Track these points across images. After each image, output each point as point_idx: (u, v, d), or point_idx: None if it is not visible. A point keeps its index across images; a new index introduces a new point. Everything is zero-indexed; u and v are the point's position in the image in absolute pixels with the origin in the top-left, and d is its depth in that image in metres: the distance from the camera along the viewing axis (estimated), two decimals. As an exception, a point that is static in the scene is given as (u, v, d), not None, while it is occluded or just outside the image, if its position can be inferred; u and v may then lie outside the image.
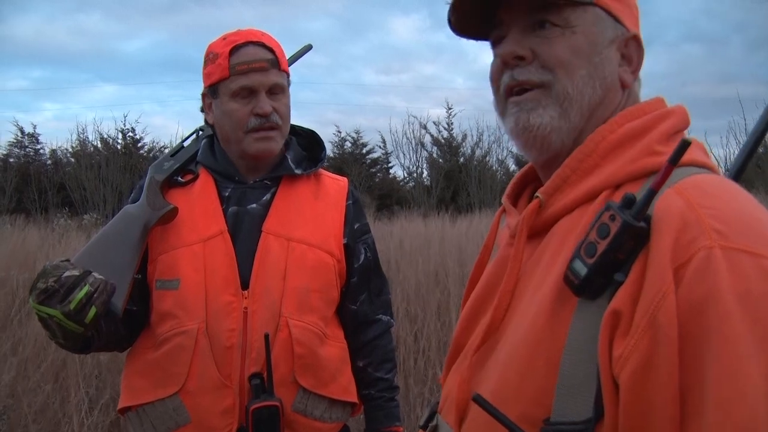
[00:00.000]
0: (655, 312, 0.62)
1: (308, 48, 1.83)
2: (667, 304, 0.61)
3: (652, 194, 0.66)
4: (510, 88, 0.85)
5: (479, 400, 0.73)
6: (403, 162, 21.83)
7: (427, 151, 20.66)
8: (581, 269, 0.69)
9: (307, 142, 1.71)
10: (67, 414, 3.44)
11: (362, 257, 1.63)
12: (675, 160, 0.66)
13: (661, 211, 0.67)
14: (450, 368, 0.92)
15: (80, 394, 3.50)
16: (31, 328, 4.13)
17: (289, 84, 1.58)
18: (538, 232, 0.83)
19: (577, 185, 0.80)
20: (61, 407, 3.52)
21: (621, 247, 0.66)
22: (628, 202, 0.67)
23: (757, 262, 0.62)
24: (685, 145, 0.66)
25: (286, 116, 1.54)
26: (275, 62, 1.50)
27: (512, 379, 0.74)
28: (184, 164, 1.58)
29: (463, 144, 20.74)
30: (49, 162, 18.55)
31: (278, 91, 1.52)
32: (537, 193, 0.82)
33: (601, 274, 0.67)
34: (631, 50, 0.85)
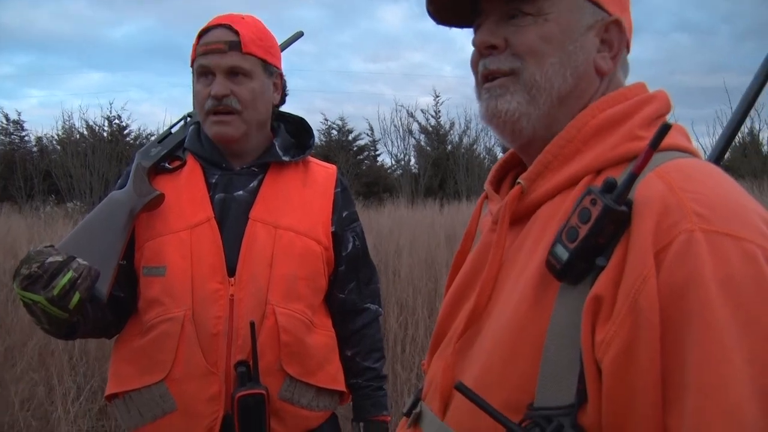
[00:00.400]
0: (636, 296, 0.62)
1: (299, 35, 1.82)
2: (648, 288, 0.61)
3: (633, 178, 0.66)
4: (484, 76, 0.86)
5: (461, 388, 0.73)
6: (390, 150, 21.79)
7: (414, 138, 20.64)
8: (563, 254, 0.68)
9: (296, 129, 1.70)
10: (54, 402, 3.43)
11: (350, 245, 1.63)
12: (655, 144, 0.66)
13: (642, 195, 0.67)
14: (434, 354, 0.91)
15: (67, 382, 3.49)
16: (18, 315, 4.11)
17: (267, 70, 1.55)
18: (520, 218, 0.83)
19: (559, 171, 0.79)
20: (48, 395, 3.51)
21: (602, 231, 0.66)
22: (609, 186, 0.67)
23: (738, 245, 0.61)
24: (666, 128, 0.66)
25: (249, 101, 1.50)
26: (236, 44, 1.47)
27: (496, 365, 0.74)
28: (171, 150, 1.57)
29: (451, 132, 20.74)
30: (34, 149, 18.35)
31: (240, 73, 1.49)
32: (519, 179, 0.82)
33: (583, 258, 0.67)
34: (612, 35, 0.84)
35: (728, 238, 0.62)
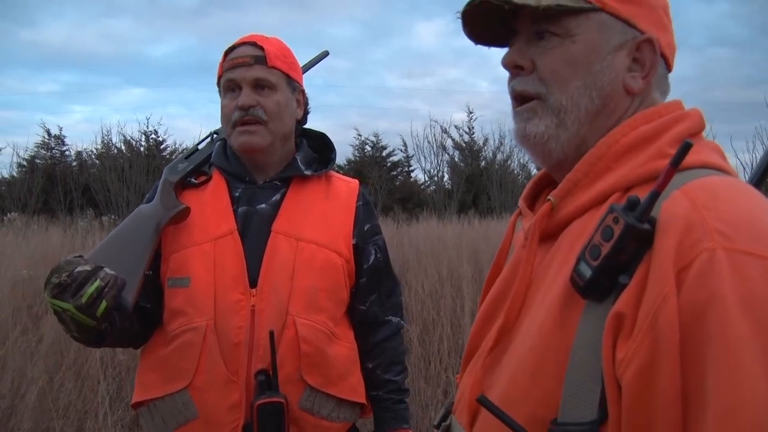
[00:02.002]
0: (657, 315, 0.62)
1: (325, 54, 1.86)
2: (669, 308, 0.61)
3: (655, 196, 0.66)
4: (514, 98, 0.88)
5: (484, 401, 0.75)
6: (424, 166, 21.83)
7: (448, 154, 20.64)
8: (586, 271, 0.69)
9: (318, 144, 1.74)
10: (90, 410, 3.51)
11: (372, 258, 1.64)
12: (676, 162, 0.66)
13: (666, 213, 0.66)
14: (466, 369, 0.93)
15: (102, 391, 3.56)
16: (56, 325, 4.20)
17: (291, 87, 1.60)
18: (550, 235, 0.83)
19: (589, 189, 0.79)
20: (83, 404, 3.59)
21: (624, 249, 0.66)
22: (632, 204, 0.67)
23: (762, 264, 0.60)
24: (687, 146, 0.65)
25: (275, 113, 1.55)
26: (261, 59, 1.53)
27: (522, 381, 0.75)
28: (198, 166, 1.62)
29: (485, 148, 20.72)
30: (74, 163, 18.73)
31: (266, 86, 1.54)
32: (549, 196, 0.83)
33: (606, 276, 0.67)
34: (645, 54, 0.83)
35: (751, 257, 0.61)
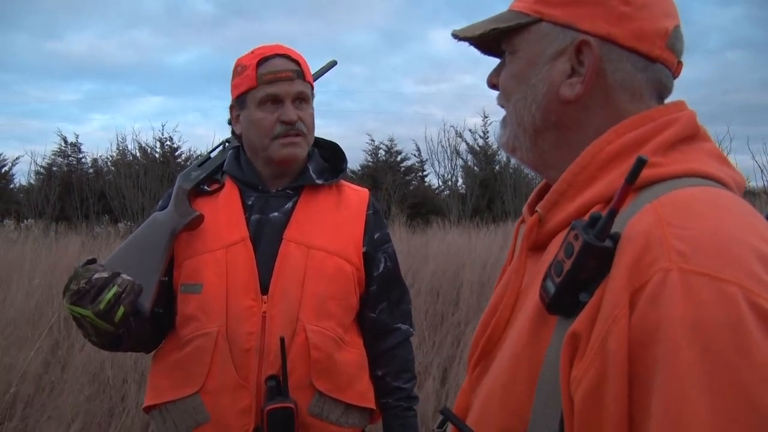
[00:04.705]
0: (607, 336, 0.60)
1: (333, 64, 1.86)
2: (618, 330, 0.59)
3: (612, 214, 0.64)
4: None
5: (445, 412, 0.77)
6: (438, 171, 21.79)
7: (462, 159, 20.60)
8: (550, 288, 0.68)
9: (329, 153, 1.76)
10: (103, 414, 3.55)
11: (382, 266, 1.66)
12: (631, 179, 0.64)
13: (629, 230, 0.64)
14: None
15: (121, 393, 3.61)
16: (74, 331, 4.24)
17: (312, 96, 1.64)
18: (540, 245, 0.81)
19: (574, 200, 0.77)
20: (99, 406, 3.63)
21: (584, 266, 0.64)
22: (593, 221, 0.65)
23: (716, 286, 0.57)
24: (641, 163, 0.63)
25: (311, 125, 1.60)
26: (301, 73, 1.57)
27: (497, 393, 0.75)
28: (210, 174, 1.64)
29: (499, 152, 20.61)
30: (90, 171, 18.84)
31: (303, 100, 1.58)
32: (537, 207, 0.81)
33: (568, 293, 0.66)
34: (585, 56, 0.78)
35: (706, 278, 0.58)
